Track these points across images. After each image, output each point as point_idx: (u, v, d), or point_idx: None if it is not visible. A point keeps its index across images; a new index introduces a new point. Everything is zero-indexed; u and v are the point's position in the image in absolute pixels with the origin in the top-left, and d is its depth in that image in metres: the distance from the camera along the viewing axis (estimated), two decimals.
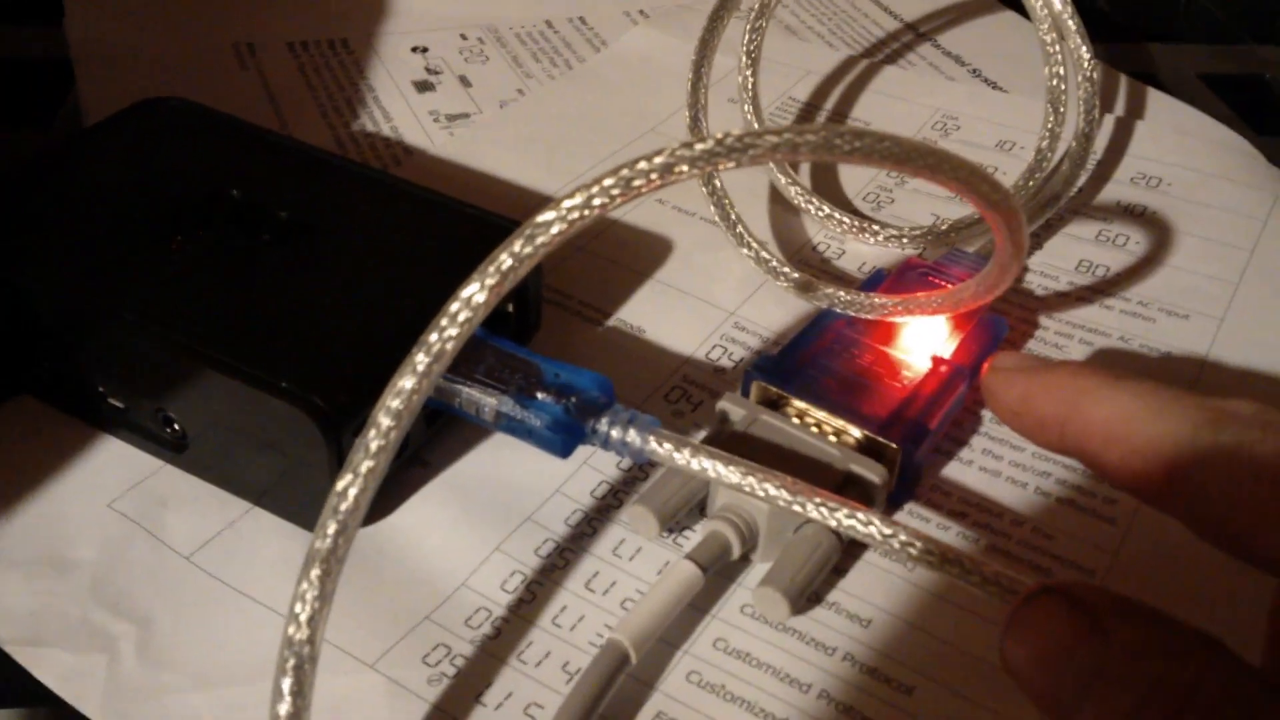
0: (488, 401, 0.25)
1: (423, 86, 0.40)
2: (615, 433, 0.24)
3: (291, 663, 0.19)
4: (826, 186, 0.37)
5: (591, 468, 0.27)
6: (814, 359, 0.28)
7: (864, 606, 0.24)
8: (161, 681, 0.22)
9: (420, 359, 0.20)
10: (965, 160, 0.20)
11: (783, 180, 0.35)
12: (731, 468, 0.22)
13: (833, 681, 0.23)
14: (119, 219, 0.27)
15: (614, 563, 0.25)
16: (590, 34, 0.44)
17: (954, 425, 0.28)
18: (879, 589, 0.25)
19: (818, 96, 0.41)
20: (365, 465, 0.19)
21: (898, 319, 0.28)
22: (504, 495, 0.26)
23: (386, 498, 0.26)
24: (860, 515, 0.21)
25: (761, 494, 0.22)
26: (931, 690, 0.23)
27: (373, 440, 0.20)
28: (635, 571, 0.25)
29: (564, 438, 0.24)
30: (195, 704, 0.22)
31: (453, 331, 0.20)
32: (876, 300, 0.28)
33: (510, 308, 0.28)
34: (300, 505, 0.25)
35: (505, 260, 0.20)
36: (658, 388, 0.29)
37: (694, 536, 0.25)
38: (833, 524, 0.21)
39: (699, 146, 0.20)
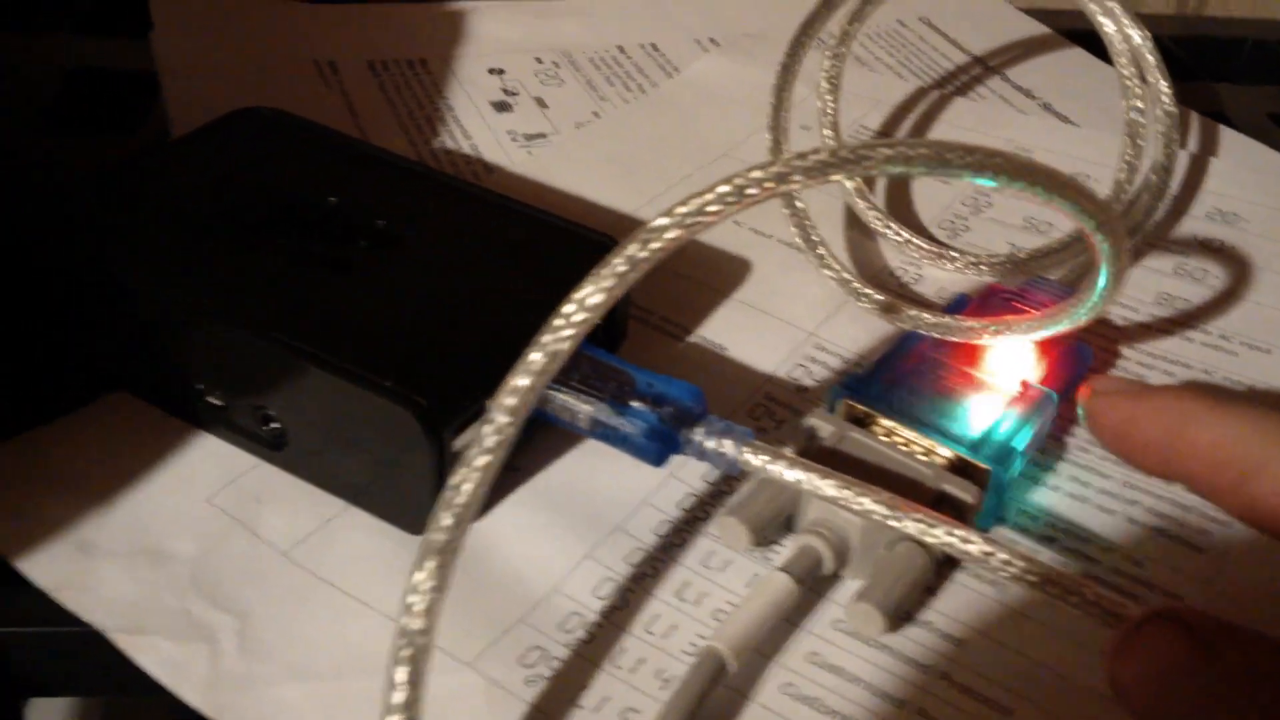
0: (583, 408, 0.25)
1: (500, 107, 0.41)
2: (709, 443, 0.24)
3: (407, 653, 0.19)
4: (902, 212, 0.37)
5: (678, 479, 0.27)
6: (900, 379, 0.28)
7: (957, 625, 0.24)
8: (260, 673, 0.22)
9: (536, 358, 0.20)
10: (1071, 178, 0.20)
11: (861, 204, 0.35)
12: (828, 481, 0.23)
13: (930, 700, 0.23)
14: (220, 221, 0.28)
15: (704, 574, 0.25)
16: (661, 59, 0.44)
17: (1042, 450, 0.28)
18: (971, 608, 0.24)
19: (889, 126, 0.41)
20: (482, 460, 0.20)
21: (988, 342, 0.28)
22: (593, 503, 0.26)
23: None
24: (959, 533, 0.21)
25: (858, 508, 0.22)
26: (1030, 713, 0.22)
27: (489, 436, 0.20)
28: (725, 583, 0.25)
29: (659, 446, 0.24)
30: (292, 696, 0.22)
31: (568, 333, 0.20)
32: (966, 323, 0.28)
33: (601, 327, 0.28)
34: (397, 504, 0.25)
35: (620, 264, 0.20)
36: (741, 404, 0.29)
37: (782, 551, 0.25)
38: (931, 540, 0.21)
39: (813, 157, 0.20)
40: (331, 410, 0.25)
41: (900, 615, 0.24)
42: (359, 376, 0.24)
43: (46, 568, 0.24)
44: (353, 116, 0.39)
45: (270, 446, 0.26)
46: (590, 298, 0.20)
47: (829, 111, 0.36)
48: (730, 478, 0.27)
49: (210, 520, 0.25)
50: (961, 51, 0.47)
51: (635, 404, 0.25)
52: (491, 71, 0.43)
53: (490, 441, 0.20)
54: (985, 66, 0.46)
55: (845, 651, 0.24)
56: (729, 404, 0.29)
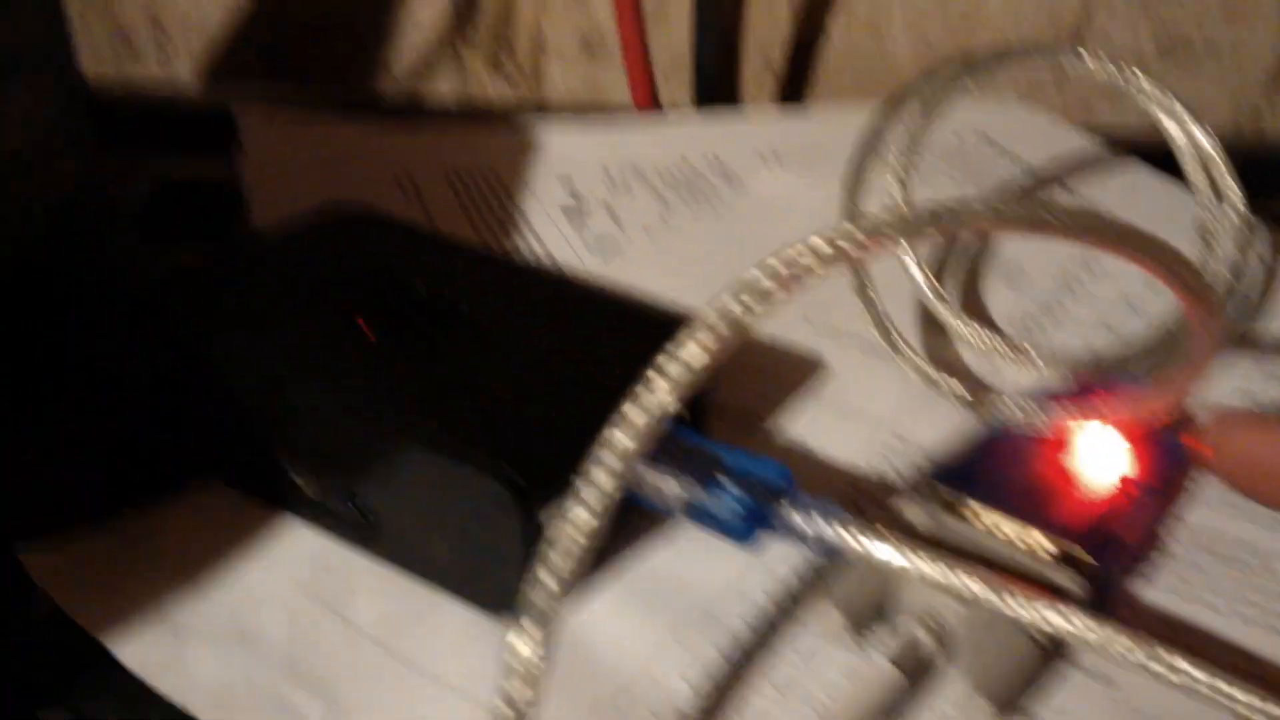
0: (672, 485, 0.25)
1: (571, 213, 0.42)
2: (800, 520, 0.24)
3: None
4: (973, 313, 0.37)
5: (766, 569, 0.27)
6: (995, 471, 0.27)
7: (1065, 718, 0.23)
8: None
9: (635, 415, 0.20)
10: (1168, 244, 0.21)
11: (936, 303, 0.35)
12: (934, 563, 0.22)
13: None
14: (312, 310, 0.29)
15: (794, 663, 0.24)
16: (725, 170, 0.46)
17: (1144, 548, 0.28)
18: (1082, 703, 0.24)
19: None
20: (584, 518, 0.20)
21: (1081, 428, 0.28)
22: (677, 589, 0.26)
23: None
24: (1080, 619, 0.20)
25: (968, 592, 0.22)
26: None
27: (593, 493, 0.20)
28: (819, 672, 0.24)
29: (748, 524, 0.24)
30: None
31: (665, 388, 0.20)
32: (1056, 411, 0.28)
33: (687, 413, 0.28)
34: (486, 585, 0.25)
35: (717, 319, 0.21)
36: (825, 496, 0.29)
37: (873, 638, 0.25)
38: (1051, 624, 0.21)
39: (903, 215, 0.20)
40: (421, 491, 0.25)
41: (1009, 706, 0.23)
42: (449, 451, 0.24)
43: (138, 649, 0.24)
44: (430, 223, 0.40)
45: (360, 531, 0.26)
46: (688, 351, 0.20)
47: (902, 200, 0.36)
48: (817, 565, 0.27)
49: (300, 604, 0.25)
50: (1019, 164, 0.48)
51: (724, 481, 0.25)
52: (561, 180, 0.44)
53: (594, 500, 0.20)
54: (1044, 178, 0.47)
55: None
56: (837, 493, 0.29)
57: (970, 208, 0.20)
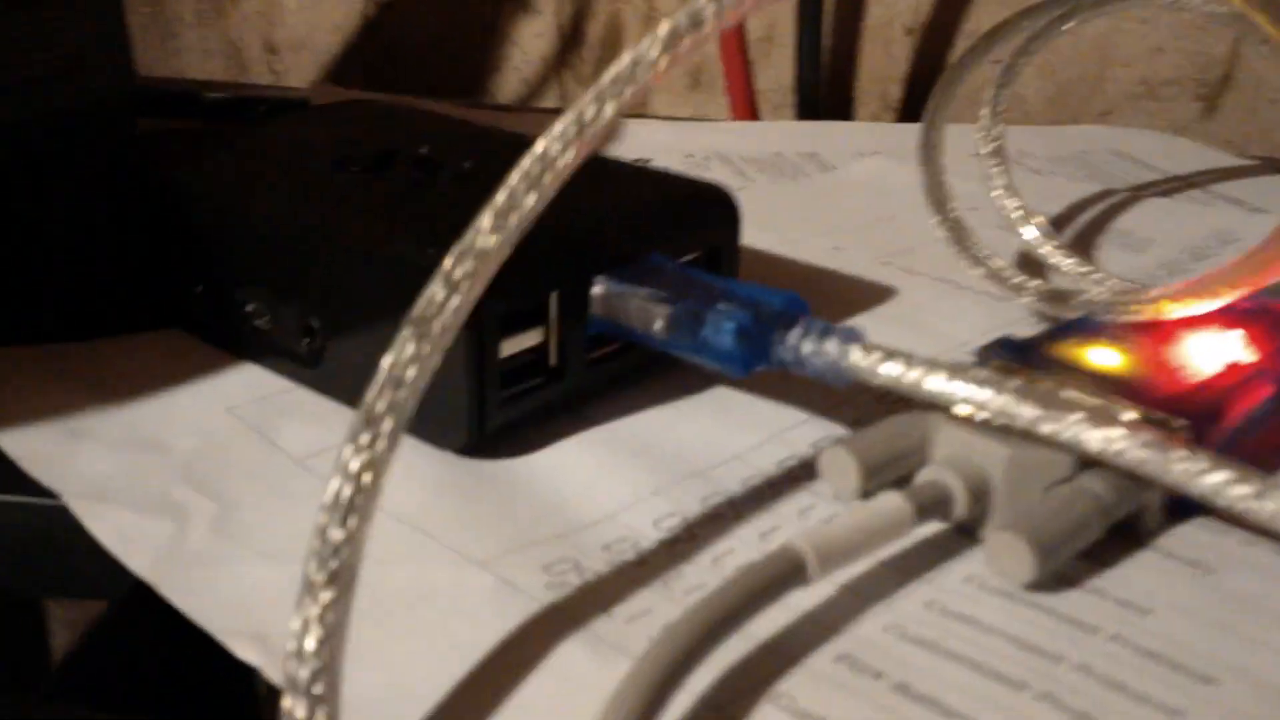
0: (660, 311, 0.21)
1: None
2: (808, 345, 0.19)
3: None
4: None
5: (782, 441, 0.22)
6: (1069, 351, 0.22)
7: (1143, 597, 0.18)
8: (226, 553, 0.18)
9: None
10: None
11: (1044, 242, 0.30)
12: (982, 386, 0.18)
13: (1098, 658, 0.16)
14: (300, 156, 0.26)
15: (799, 524, 0.20)
16: (821, 161, 0.42)
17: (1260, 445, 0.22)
18: (1166, 583, 0.18)
19: (1064, 219, 0.37)
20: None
21: (1181, 312, 0.23)
22: (672, 451, 0.21)
23: (534, 436, 0.22)
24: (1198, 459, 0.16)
25: (1027, 420, 0.17)
26: (1240, 686, 0.16)
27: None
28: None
29: (745, 351, 0.20)
30: (256, 574, 0.18)
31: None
32: (1153, 292, 0.23)
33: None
34: (434, 419, 0.21)
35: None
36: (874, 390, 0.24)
37: None
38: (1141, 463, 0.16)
39: None
40: (376, 302, 0.21)
41: (1053, 559, 0.18)
42: (406, 254, 0.21)
43: (26, 443, 0.20)
44: None
45: (309, 364, 0.23)
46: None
47: (998, 176, 0.32)
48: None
49: (224, 424, 0.22)
50: (1154, 171, 0.43)
51: (723, 306, 0.20)
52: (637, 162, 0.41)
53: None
54: (1184, 180, 0.42)
55: (977, 603, 0.18)
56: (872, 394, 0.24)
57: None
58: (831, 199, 0.38)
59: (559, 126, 0.15)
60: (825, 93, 0.52)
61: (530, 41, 0.54)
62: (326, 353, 0.22)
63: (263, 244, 0.23)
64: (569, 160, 0.16)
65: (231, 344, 0.24)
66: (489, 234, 0.15)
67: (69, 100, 0.27)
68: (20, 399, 0.22)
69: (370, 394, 0.15)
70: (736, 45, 0.50)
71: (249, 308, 0.23)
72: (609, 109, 0.15)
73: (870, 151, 0.43)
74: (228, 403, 0.22)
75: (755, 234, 0.33)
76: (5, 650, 0.20)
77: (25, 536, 0.20)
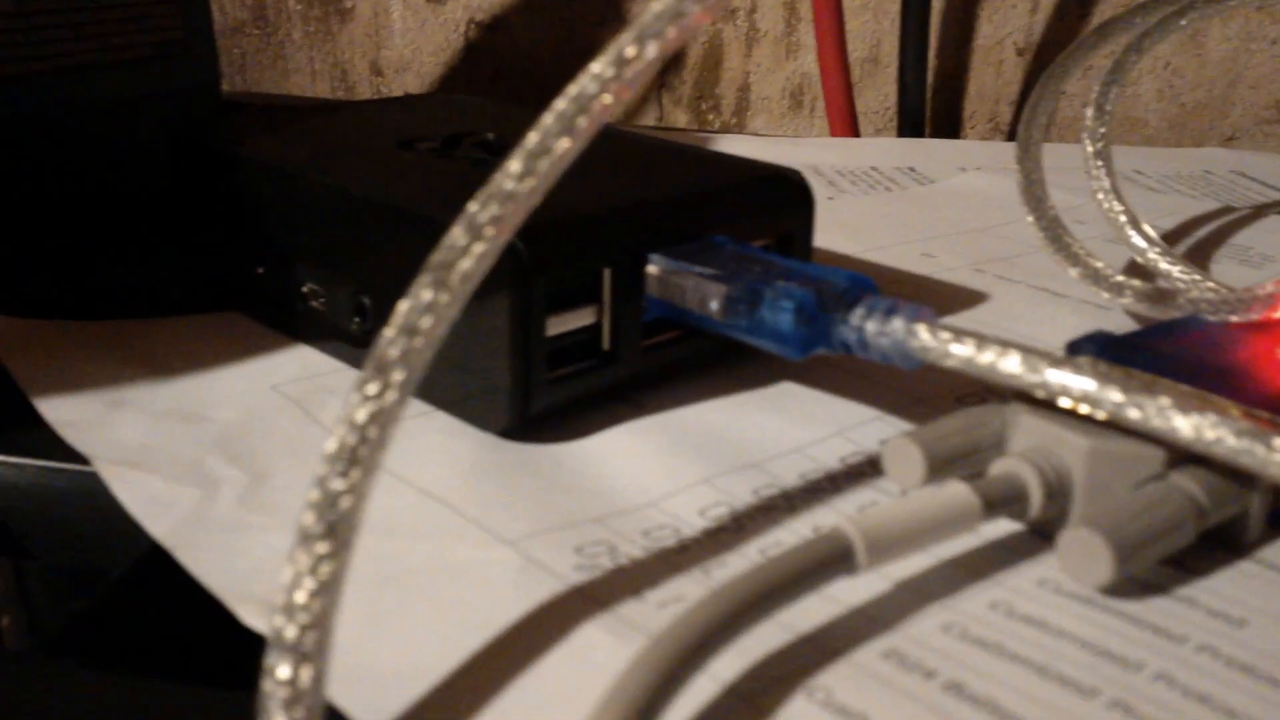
0: (717, 290, 0.19)
1: None
2: (872, 324, 0.18)
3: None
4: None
5: (847, 438, 0.21)
6: (1171, 349, 0.21)
7: (1238, 608, 0.16)
8: (249, 521, 0.17)
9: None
10: None
11: (1150, 249, 0.28)
12: (1061, 368, 0.16)
13: (1181, 668, 0.14)
14: (374, 139, 0.26)
15: (844, 511, 0.18)
16: (918, 176, 0.41)
17: None
18: (1265, 596, 0.16)
19: (1177, 234, 0.35)
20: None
21: None
22: (726, 442, 0.20)
23: (582, 421, 0.20)
24: None
25: (1112, 404, 0.15)
26: None
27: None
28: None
29: (803, 331, 0.19)
30: (278, 544, 0.17)
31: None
32: (1268, 287, 0.21)
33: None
34: (480, 402, 0.20)
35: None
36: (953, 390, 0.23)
37: None
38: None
39: None
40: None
41: (1135, 562, 0.16)
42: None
43: (65, 409, 0.20)
44: None
45: (362, 344, 0.22)
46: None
47: (1103, 178, 0.30)
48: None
49: (267, 401, 0.21)
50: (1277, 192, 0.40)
51: (781, 285, 0.19)
52: None
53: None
54: None
55: (1049, 606, 0.16)
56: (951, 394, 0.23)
57: None
58: (926, 208, 0.36)
59: (596, 66, 0.14)
60: (931, 114, 0.51)
61: None
62: (376, 332, 0.22)
63: (321, 218, 0.23)
64: (606, 104, 0.15)
65: (288, 326, 0.24)
66: (518, 178, 0.14)
67: (157, 83, 0.27)
68: (66, 369, 0.22)
69: (382, 341, 0.14)
70: (838, 64, 0.49)
71: (306, 288, 0.23)
72: (651, 49, 0.14)
73: (972, 168, 0.42)
74: (274, 380, 0.22)
75: (840, 239, 0.32)
76: (41, 616, 0.20)
77: (58, 503, 0.19)
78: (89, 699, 0.14)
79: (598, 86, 0.15)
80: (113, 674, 0.14)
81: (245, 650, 0.16)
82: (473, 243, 0.14)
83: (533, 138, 0.15)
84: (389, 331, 0.14)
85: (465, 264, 0.14)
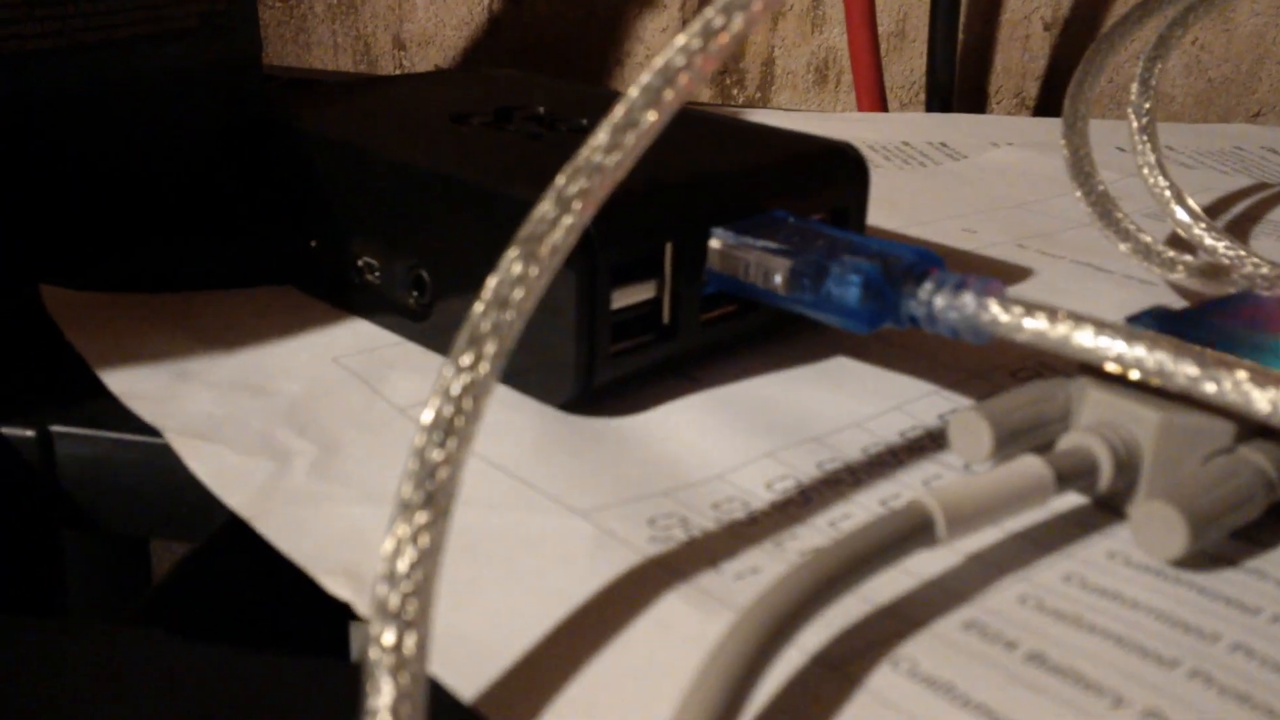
0: (781, 264, 0.20)
1: None
2: (941, 299, 0.18)
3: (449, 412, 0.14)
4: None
5: (905, 412, 0.21)
6: (1230, 324, 0.21)
7: None
8: (327, 492, 0.17)
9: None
10: None
11: (1194, 224, 0.28)
12: (1134, 342, 0.16)
13: (1258, 639, 0.15)
14: (427, 113, 0.26)
15: (912, 486, 0.18)
16: (950, 151, 0.41)
17: None
18: None
19: (1217, 209, 0.35)
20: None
21: None
22: (787, 416, 0.20)
23: (642, 395, 0.21)
24: None
25: (1187, 378, 0.15)
26: None
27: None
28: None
29: (871, 305, 0.19)
30: (356, 514, 0.17)
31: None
32: None
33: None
34: (541, 373, 0.20)
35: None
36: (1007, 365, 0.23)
37: None
38: None
39: None
40: (486, 251, 0.21)
41: (1208, 534, 0.16)
42: (514, 196, 0.20)
43: (131, 382, 0.20)
44: None
45: (418, 318, 0.22)
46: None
47: (1148, 153, 0.30)
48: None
49: (329, 374, 0.21)
50: None
51: (847, 259, 0.19)
52: None
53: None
54: None
55: (1121, 578, 0.16)
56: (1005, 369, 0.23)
57: None
58: (964, 184, 0.36)
59: (682, 39, 0.15)
60: (958, 89, 0.50)
61: (655, 37, 0.54)
62: (435, 306, 0.22)
63: (378, 191, 0.23)
64: (693, 76, 0.15)
65: (343, 299, 0.24)
66: (605, 151, 0.14)
67: (204, 55, 0.27)
68: (131, 341, 0.22)
69: (474, 313, 0.14)
70: (868, 37, 0.49)
71: (362, 261, 0.23)
72: (738, 21, 0.15)
73: (1004, 143, 0.42)
74: (334, 353, 0.22)
75: (882, 214, 0.32)
76: (114, 587, 0.20)
77: (128, 474, 0.19)
78: (183, 667, 0.14)
79: (685, 59, 0.15)
80: (203, 643, 0.14)
81: (326, 619, 0.16)
82: (561, 215, 0.14)
83: (619, 111, 0.15)
84: (480, 305, 0.14)
85: (554, 236, 0.14)
